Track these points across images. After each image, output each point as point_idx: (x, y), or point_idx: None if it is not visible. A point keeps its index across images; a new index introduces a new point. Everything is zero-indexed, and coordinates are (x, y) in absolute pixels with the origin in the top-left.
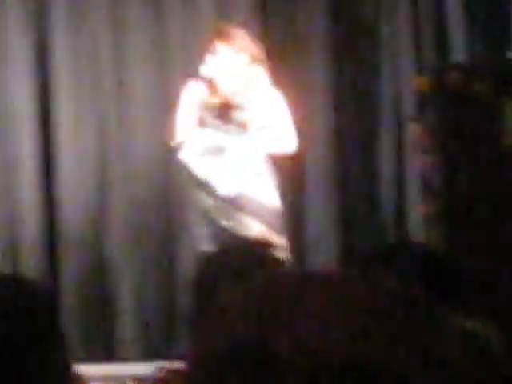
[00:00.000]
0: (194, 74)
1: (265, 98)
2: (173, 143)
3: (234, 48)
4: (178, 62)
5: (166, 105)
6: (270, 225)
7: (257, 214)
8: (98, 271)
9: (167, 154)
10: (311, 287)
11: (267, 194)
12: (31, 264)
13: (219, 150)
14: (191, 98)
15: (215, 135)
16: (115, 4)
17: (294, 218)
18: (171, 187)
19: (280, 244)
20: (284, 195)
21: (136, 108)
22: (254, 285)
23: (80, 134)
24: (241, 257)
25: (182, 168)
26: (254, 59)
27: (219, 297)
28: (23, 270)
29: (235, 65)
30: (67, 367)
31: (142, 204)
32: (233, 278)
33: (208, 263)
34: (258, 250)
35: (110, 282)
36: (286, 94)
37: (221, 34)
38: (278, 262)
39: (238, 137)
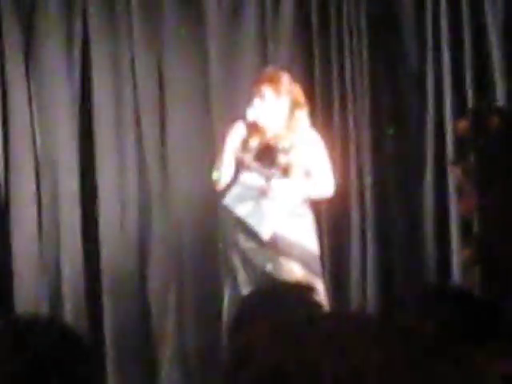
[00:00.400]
0: (237, 117)
1: (306, 142)
2: (216, 186)
3: (277, 92)
4: (222, 105)
5: (208, 148)
6: (309, 268)
7: (297, 257)
8: (140, 318)
9: (210, 197)
10: (339, 327)
11: (307, 237)
12: (73, 313)
13: (261, 193)
14: (235, 141)
15: (258, 178)
16: (158, 48)
17: (337, 262)
18: (214, 231)
19: (319, 288)
20: (327, 240)
21: (178, 151)
22: (284, 321)
23: (122, 180)
24: (278, 299)
25: (224, 210)
26: (297, 103)
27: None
28: (66, 316)
29: (278, 108)
30: None
31: (185, 249)
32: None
33: (244, 305)
34: (297, 293)
35: (152, 332)
36: (328, 138)
37: (265, 78)
38: (316, 306)
39: (280, 180)
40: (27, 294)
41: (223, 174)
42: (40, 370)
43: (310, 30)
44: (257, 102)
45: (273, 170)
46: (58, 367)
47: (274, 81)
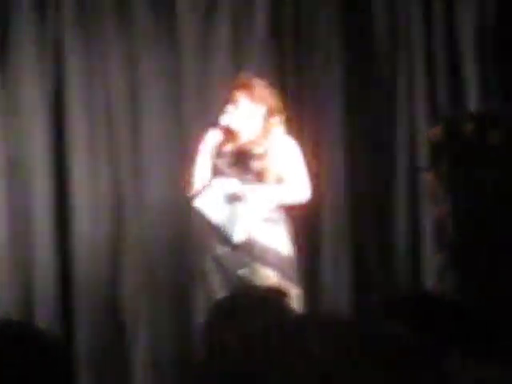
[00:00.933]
0: (210, 123)
1: (281, 147)
2: (189, 191)
3: (252, 98)
4: (194, 111)
5: (181, 154)
6: (284, 273)
7: (271, 262)
8: (113, 322)
9: (183, 203)
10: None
11: (281, 242)
12: (45, 316)
13: (234, 198)
14: (208, 146)
15: (231, 183)
16: (130, 55)
17: (309, 267)
18: (187, 236)
19: (293, 293)
20: (298, 245)
21: (151, 158)
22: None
23: (95, 185)
24: (251, 304)
25: (198, 216)
26: (272, 109)
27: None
28: (37, 322)
29: (253, 115)
30: None
31: (158, 254)
32: (240, 324)
33: (217, 309)
34: (270, 297)
35: (124, 333)
36: (301, 144)
37: (240, 84)
38: (288, 311)
39: (254, 185)
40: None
41: (196, 178)
42: (16, 375)
43: (283, 35)
44: (231, 107)
45: (247, 176)
46: (32, 371)
47: (248, 87)
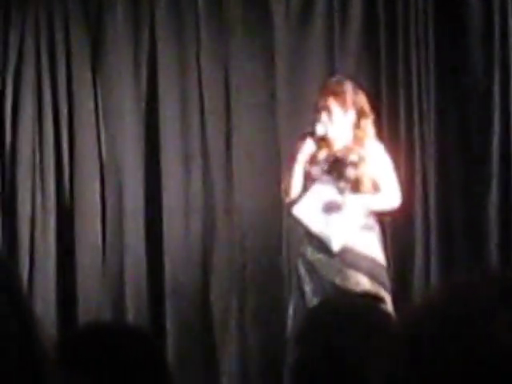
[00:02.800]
0: (304, 129)
1: (374, 153)
2: (286, 199)
3: (343, 104)
4: (288, 116)
5: (274, 160)
6: (376, 279)
7: (364, 268)
8: (202, 328)
9: (276, 208)
10: None
11: (373, 248)
12: (136, 318)
13: (332, 208)
14: (304, 154)
15: (328, 192)
16: (225, 58)
17: (401, 275)
18: (279, 243)
19: (386, 299)
20: (391, 252)
21: (243, 164)
22: None
23: (187, 189)
24: (347, 310)
25: (292, 223)
26: (362, 112)
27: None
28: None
29: (345, 120)
30: None
31: (248, 260)
32: (336, 331)
33: (311, 316)
34: (366, 303)
35: (215, 341)
36: (393, 148)
37: (330, 91)
38: (386, 316)
39: (350, 195)
40: (91, 304)
41: (293, 186)
42: (115, 377)
43: (378, 40)
44: (323, 116)
45: (342, 183)
46: (134, 370)
47: (338, 93)
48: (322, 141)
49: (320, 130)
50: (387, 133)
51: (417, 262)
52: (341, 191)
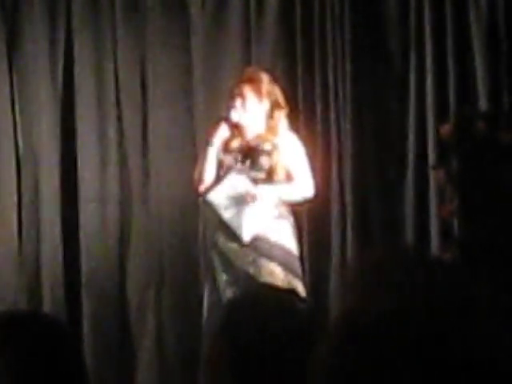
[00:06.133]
0: (220, 117)
1: (286, 143)
2: (198, 187)
3: (258, 93)
4: (204, 104)
5: (190, 147)
6: (290, 270)
7: (277, 258)
8: (119, 316)
9: (191, 199)
10: None
11: (287, 238)
12: (52, 310)
13: (244, 198)
14: (217, 141)
15: (241, 182)
16: (142, 46)
17: (317, 263)
18: (195, 230)
19: (300, 290)
20: (307, 241)
21: (160, 151)
22: None
23: (103, 177)
24: (266, 304)
25: (206, 212)
26: (277, 104)
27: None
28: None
29: (259, 109)
30: None
31: (165, 247)
32: (256, 326)
33: (232, 310)
34: (283, 296)
35: (131, 331)
36: (308, 140)
37: (246, 78)
38: (302, 311)
39: (263, 185)
40: (6, 293)
41: (205, 174)
42: (29, 364)
43: (294, 30)
44: (238, 102)
45: (255, 172)
46: (47, 359)
47: (254, 81)
48: (236, 128)
49: (234, 116)
50: (303, 123)
51: (333, 251)
52: (254, 181)
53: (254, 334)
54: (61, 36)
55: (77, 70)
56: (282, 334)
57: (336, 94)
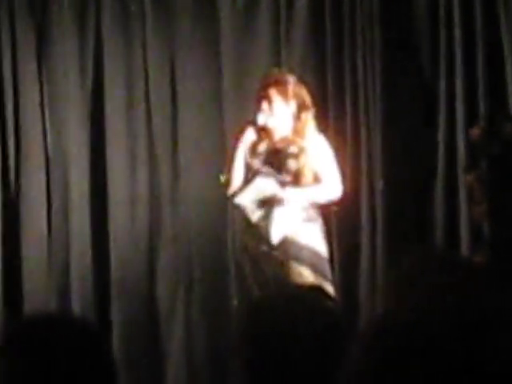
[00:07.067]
0: (247, 121)
1: (313, 145)
2: (226, 189)
3: (284, 95)
4: (234, 105)
5: (219, 149)
6: (320, 272)
7: (307, 261)
8: (149, 317)
9: (220, 201)
10: None
11: (316, 241)
12: (81, 313)
13: (272, 201)
14: (245, 143)
15: (268, 185)
16: (172, 47)
17: (346, 266)
18: (224, 232)
19: (329, 291)
20: (336, 243)
21: (189, 152)
22: None
23: (133, 178)
24: (291, 304)
25: (235, 214)
26: (303, 106)
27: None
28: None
29: (286, 112)
30: None
31: (194, 249)
32: (282, 326)
33: (257, 311)
34: (310, 297)
35: (160, 331)
36: (338, 141)
37: (272, 81)
38: (330, 310)
39: (290, 188)
40: (36, 294)
41: (233, 177)
42: (58, 365)
43: (324, 30)
44: (264, 105)
45: (282, 175)
46: (77, 360)
47: (280, 83)
48: (263, 131)
49: (261, 119)
50: (333, 124)
51: (363, 254)
52: (281, 184)
53: (275, 334)
54: (90, 36)
55: (106, 70)
56: (306, 333)
57: (366, 95)
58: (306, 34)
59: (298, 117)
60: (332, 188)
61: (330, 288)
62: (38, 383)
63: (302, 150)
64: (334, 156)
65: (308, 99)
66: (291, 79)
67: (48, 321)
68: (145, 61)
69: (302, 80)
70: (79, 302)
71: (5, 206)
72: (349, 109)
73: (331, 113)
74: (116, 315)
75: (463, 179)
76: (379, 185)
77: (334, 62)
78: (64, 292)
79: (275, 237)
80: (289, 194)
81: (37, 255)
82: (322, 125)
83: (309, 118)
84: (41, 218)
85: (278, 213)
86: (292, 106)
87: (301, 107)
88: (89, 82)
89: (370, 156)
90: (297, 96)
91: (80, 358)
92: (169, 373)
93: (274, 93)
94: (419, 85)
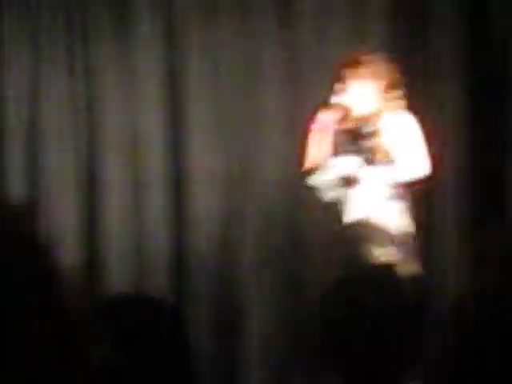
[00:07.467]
0: (326, 99)
1: (396, 124)
2: (304, 169)
3: (368, 74)
4: (311, 87)
5: (297, 130)
6: (400, 251)
7: (387, 240)
8: (228, 300)
9: (297, 179)
10: None
11: (398, 220)
12: (159, 287)
13: (350, 181)
14: (324, 124)
15: (347, 164)
16: (247, 30)
17: (429, 246)
18: (300, 213)
19: (410, 271)
20: (419, 222)
21: (267, 134)
22: None
23: (209, 159)
24: (369, 284)
25: (313, 193)
26: (387, 85)
27: None
28: (151, 291)
29: (366, 91)
30: None
31: (272, 231)
32: (361, 306)
33: (335, 290)
34: (389, 276)
35: (239, 312)
36: (422, 119)
37: (353, 61)
38: (403, 285)
39: (369, 167)
40: (116, 273)
41: (312, 156)
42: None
43: (405, 7)
44: (346, 84)
45: (363, 154)
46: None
47: (364, 63)
48: (344, 111)
49: (342, 98)
50: (413, 104)
51: (446, 233)
52: (361, 162)
53: (353, 315)
54: (167, 23)
55: (185, 57)
56: (385, 312)
57: (448, 73)
58: (384, 14)
59: (378, 97)
60: (415, 167)
61: (411, 267)
62: (121, 361)
63: (382, 129)
64: (421, 136)
65: (394, 79)
66: (376, 58)
67: (128, 300)
68: (222, 39)
69: (388, 59)
70: (157, 282)
71: (82, 186)
72: (430, 88)
73: (411, 93)
74: (195, 295)
75: None
76: (462, 162)
77: (416, 43)
78: (145, 272)
79: (355, 216)
80: (368, 172)
81: (116, 235)
82: (407, 104)
83: (395, 97)
84: (119, 198)
85: (356, 192)
86: (376, 85)
87: (387, 86)
88: (166, 68)
89: (456, 134)
90: (382, 75)
91: (158, 338)
92: (247, 353)
93: (353, 73)
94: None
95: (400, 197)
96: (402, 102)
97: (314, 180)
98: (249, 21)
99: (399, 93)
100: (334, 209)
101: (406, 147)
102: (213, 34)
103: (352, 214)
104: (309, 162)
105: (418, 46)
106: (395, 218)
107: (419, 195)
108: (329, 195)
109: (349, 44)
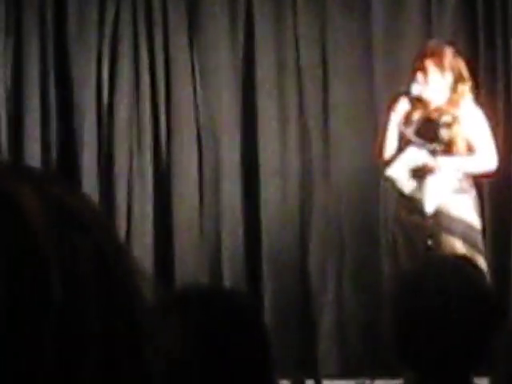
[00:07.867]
0: (401, 91)
1: (468, 116)
2: (380, 160)
3: (440, 66)
4: (384, 78)
5: (370, 122)
6: (472, 245)
7: (459, 233)
8: (300, 289)
9: (371, 172)
10: None
11: (469, 212)
12: (232, 283)
13: (425, 171)
14: (398, 113)
15: (419, 152)
16: (322, 19)
17: (499, 239)
18: (375, 204)
19: (481, 264)
20: (489, 215)
21: (340, 125)
22: None
23: (284, 152)
24: (443, 276)
25: (387, 185)
26: (460, 77)
27: None
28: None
29: (441, 83)
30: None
31: (345, 221)
32: (433, 298)
33: (409, 283)
34: (461, 269)
35: (312, 304)
36: (489, 114)
37: (428, 52)
38: (476, 280)
39: (443, 157)
40: (188, 266)
41: (386, 147)
42: (210, 338)
43: (475, 2)
44: (420, 76)
45: (435, 145)
46: (229, 333)
47: (436, 55)
48: (417, 101)
49: (415, 89)
50: (484, 96)
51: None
52: (434, 153)
53: (426, 307)
54: (241, 10)
55: (257, 44)
56: (457, 305)
57: None
58: (457, 6)
59: (453, 88)
60: (486, 160)
61: (481, 261)
62: (194, 356)
63: (455, 120)
64: (489, 129)
65: (465, 71)
66: (448, 50)
67: (199, 293)
68: (295, 33)
69: (458, 51)
70: (230, 276)
71: (156, 177)
72: (500, 81)
73: (482, 85)
74: (267, 288)
75: None
76: None
77: (485, 30)
78: (215, 264)
79: (429, 206)
80: (441, 163)
81: (188, 227)
82: (474, 97)
83: (465, 90)
84: (192, 190)
85: (430, 182)
86: (448, 77)
87: (457, 79)
88: (239, 55)
89: None
90: (453, 68)
91: (231, 331)
92: (320, 346)
93: (430, 64)
94: None
95: (470, 189)
96: (473, 95)
97: (391, 171)
98: (324, 9)
99: (469, 85)
100: (411, 199)
101: (478, 140)
102: (284, 23)
103: (429, 204)
104: (386, 153)
105: (491, 41)
106: (466, 210)
107: (490, 189)
108: (406, 186)
109: (422, 35)
